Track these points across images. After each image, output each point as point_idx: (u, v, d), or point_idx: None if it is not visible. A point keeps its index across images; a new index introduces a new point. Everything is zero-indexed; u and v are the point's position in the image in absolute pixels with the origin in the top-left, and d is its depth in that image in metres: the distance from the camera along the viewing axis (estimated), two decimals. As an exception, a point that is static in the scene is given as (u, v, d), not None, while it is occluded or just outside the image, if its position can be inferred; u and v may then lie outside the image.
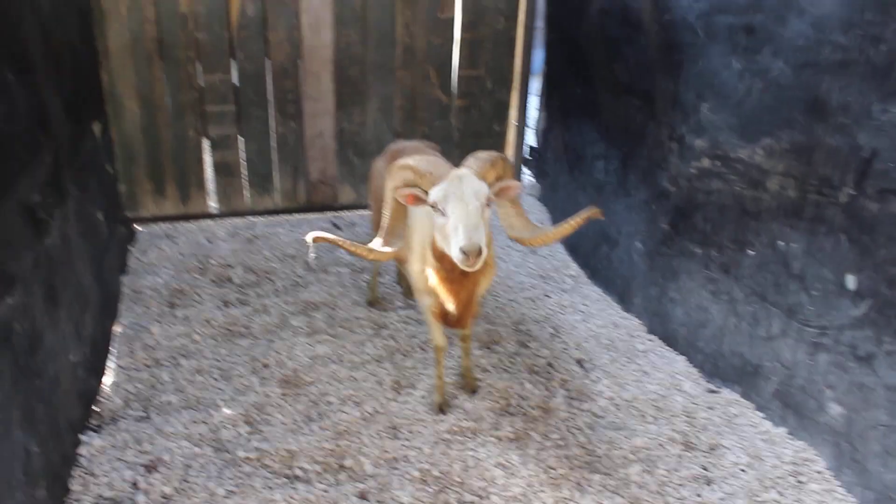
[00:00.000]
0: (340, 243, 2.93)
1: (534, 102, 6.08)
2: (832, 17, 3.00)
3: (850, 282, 3.17)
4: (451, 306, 3.22)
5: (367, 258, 3.07)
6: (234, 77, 5.25)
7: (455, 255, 2.72)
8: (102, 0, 4.76)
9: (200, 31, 5.00)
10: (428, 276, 3.24)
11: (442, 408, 3.79)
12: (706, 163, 3.78)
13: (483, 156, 2.95)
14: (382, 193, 3.59)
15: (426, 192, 2.89)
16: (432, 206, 2.85)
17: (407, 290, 4.76)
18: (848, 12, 2.94)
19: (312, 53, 5.28)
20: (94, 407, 3.63)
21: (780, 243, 3.49)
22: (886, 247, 2.96)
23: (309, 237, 2.88)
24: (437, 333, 3.69)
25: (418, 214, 3.27)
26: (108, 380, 3.87)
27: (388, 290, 4.93)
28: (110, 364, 3.99)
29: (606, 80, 4.63)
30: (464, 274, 2.98)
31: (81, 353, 3.54)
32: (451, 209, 2.76)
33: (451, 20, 5.44)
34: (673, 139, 3.98)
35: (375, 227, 4.05)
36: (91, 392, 3.65)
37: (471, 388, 3.94)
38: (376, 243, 3.11)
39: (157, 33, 4.93)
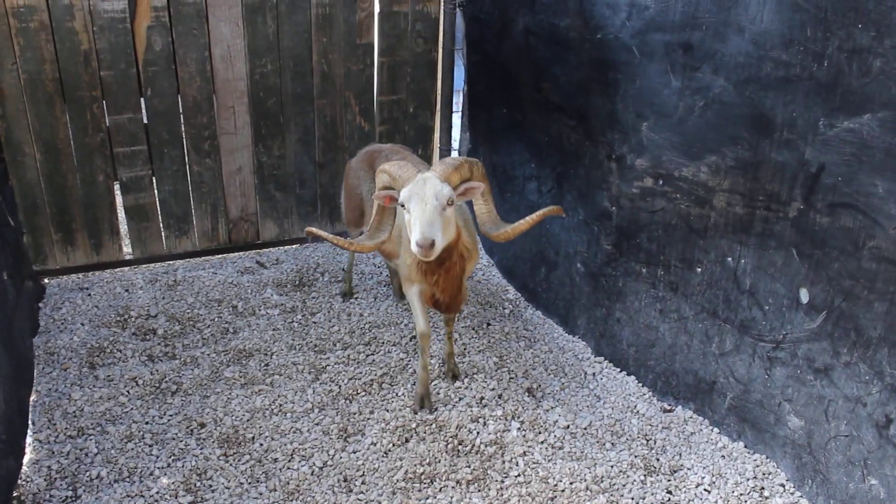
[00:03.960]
0: (328, 238, 3.40)
1: (456, 123, 5.97)
2: (772, 34, 2.99)
3: (804, 295, 3.16)
4: (436, 292, 3.58)
5: (349, 249, 3.49)
6: (144, 115, 4.93)
7: (413, 247, 3.09)
8: (-9, 41, 4.39)
9: (105, 68, 4.67)
10: (414, 268, 3.60)
11: (424, 402, 3.91)
12: (649, 182, 3.73)
13: (449, 161, 3.30)
14: (354, 191, 4.37)
15: (398, 193, 3.24)
16: (402, 206, 3.21)
17: (398, 291, 4.93)
18: (788, 29, 2.93)
19: (226, 86, 5.01)
20: (14, 492, 3.28)
21: (729, 260, 3.46)
22: (839, 259, 2.95)
23: (306, 230, 3.48)
24: (422, 320, 3.82)
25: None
26: (27, 458, 3.52)
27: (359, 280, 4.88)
28: (28, 440, 3.64)
29: (535, 99, 4.55)
30: (439, 263, 3.37)
31: (-5, 433, 3.20)
32: (413, 207, 3.12)
33: (370, 45, 5.27)
34: (612, 159, 3.92)
35: (347, 222, 4.54)
36: (9, 476, 3.29)
37: (453, 375, 4.14)
38: (362, 237, 3.52)
39: (57, 73, 4.58)
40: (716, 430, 3.75)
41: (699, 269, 3.63)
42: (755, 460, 3.53)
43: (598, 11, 3.82)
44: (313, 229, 3.41)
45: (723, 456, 3.60)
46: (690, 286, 3.70)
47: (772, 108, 3.07)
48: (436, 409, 3.90)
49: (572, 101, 4.20)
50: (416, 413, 3.86)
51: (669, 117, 3.53)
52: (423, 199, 3.10)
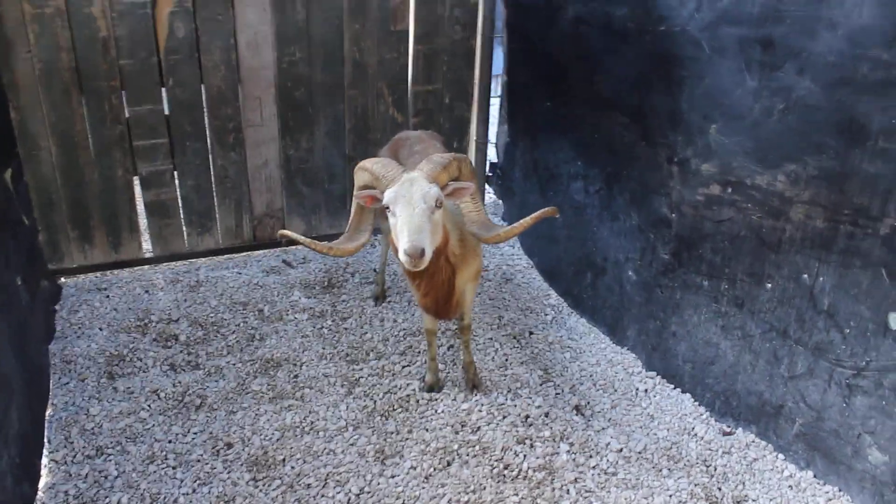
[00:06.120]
0: (304, 241, 3.10)
1: (493, 111, 5.64)
2: (872, 31, 2.66)
3: (893, 321, 2.86)
4: (419, 298, 3.40)
5: (328, 254, 3.16)
6: (165, 107, 4.65)
7: (400, 255, 2.82)
8: (5, 27, 4.10)
9: (124, 57, 4.39)
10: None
11: (433, 387, 3.91)
12: (716, 189, 3.42)
13: (436, 159, 3.02)
14: None
15: (383, 194, 2.96)
16: (386, 208, 2.93)
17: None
18: (892, 26, 2.60)
19: (252, 76, 4.71)
20: (29, 521, 3.05)
21: (805, 277, 3.16)
22: (941, 285, 2.65)
23: (279, 233, 3.24)
24: (427, 317, 3.74)
25: None
26: (42, 482, 3.28)
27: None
28: (44, 460, 3.40)
29: (584, 93, 4.24)
30: (423, 269, 3.00)
31: (7, 457, 2.94)
32: (400, 211, 2.85)
33: (405, 32, 4.96)
34: (674, 162, 3.60)
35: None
36: (24, 503, 3.05)
37: (472, 384, 3.93)
38: (340, 239, 3.21)
39: (74, 62, 4.30)
40: (781, 456, 3.46)
41: (769, 285, 3.32)
42: (827, 493, 3.25)
43: (663, 1, 3.49)
44: (287, 232, 3.17)
45: (790, 486, 3.32)
46: (758, 303, 3.39)
47: (867, 113, 2.75)
48: (478, 429, 3.63)
49: (627, 98, 3.88)
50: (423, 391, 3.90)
51: (742, 120, 3.21)
52: (411, 203, 2.83)
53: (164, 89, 4.59)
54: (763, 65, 3.07)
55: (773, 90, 3.06)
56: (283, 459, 3.45)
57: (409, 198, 2.84)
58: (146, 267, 4.99)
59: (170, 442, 3.54)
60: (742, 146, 3.24)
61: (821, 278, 3.10)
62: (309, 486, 3.31)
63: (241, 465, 3.41)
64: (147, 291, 4.71)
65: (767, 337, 3.40)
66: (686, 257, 3.68)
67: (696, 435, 3.64)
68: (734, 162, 3.30)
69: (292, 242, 5.13)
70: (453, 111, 5.32)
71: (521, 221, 3.06)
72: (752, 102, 3.15)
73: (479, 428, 3.64)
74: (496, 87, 5.52)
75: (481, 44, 5.19)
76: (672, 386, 3.94)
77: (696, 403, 3.82)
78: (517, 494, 3.27)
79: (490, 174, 5.71)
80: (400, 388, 3.91)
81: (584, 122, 4.30)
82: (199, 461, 3.42)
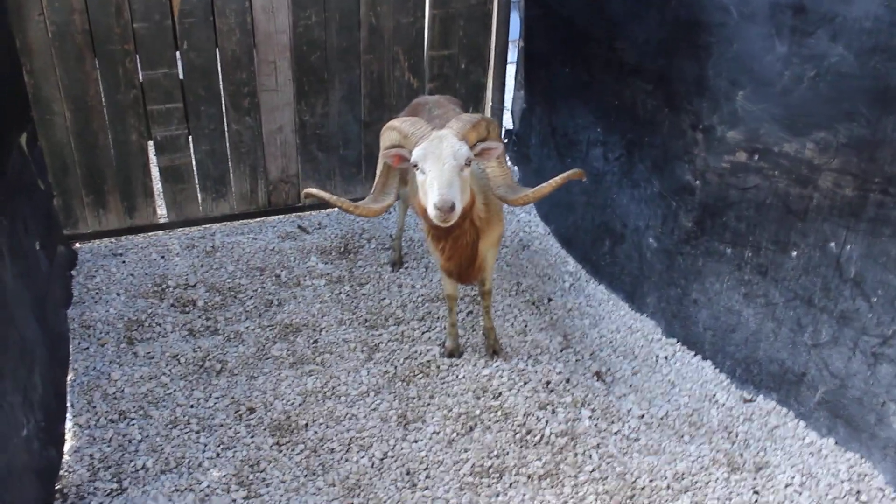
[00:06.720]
0: (330, 199, 3.08)
1: (509, 77, 5.58)
2: (912, -5, 2.62)
3: (923, 289, 2.85)
4: (441, 261, 3.40)
5: (353, 213, 3.15)
6: (180, 71, 4.59)
7: (430, 210, 2.83)
8: (17, -12, 4.04)
9: (138, 20, 4.32)
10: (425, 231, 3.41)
11: (454, 353, 3.92)
12: (742, 156, 3.39)
13: (466, 118, 3.01)
14: None
15: (410, 153, 2.95)
16: (414, 166, 2.93)
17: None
18: (933, -10, 2.56)
19: (268, 40, 4.65)
20: (56, 485, 3.06)
21: (832, 245, 3.14)
22: (973, 253, 2.63)
23: (303, 192, 3.20)
24: (447, 283, 3.75)
25: None
26: (67, 445, 3.29)
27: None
28: (68, 424, 3.41)
29: (606, 59, 4.18)
30: (447, 231, 3.09)
31: (34, 422, 2.95)
32: (429, 167, 2.86)
33: (422, -4, 4.89)
34: (699, 129, 3.57)
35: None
36: (51, 467, 3.07)
37: (492, 350, 3.93)
38: (366, 200, 3.20)
39: (87, 25, 4.23)
40: (802, 423, 3.47)
41: (794, 253, 3.31)
42: (848, 459, 3.27)
43: (690, -36, 3.44)
44: (313, 190, 3.11)
45: (811, 453, 3.33)
46: (783, 270, 3.38)
47: (902, 80, 2.72)
48: (500, 394, 3.65)
49: (651, 64, 3.83)
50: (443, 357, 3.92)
51: (771, 87, 3.17)
52: (440, 159, 2.84)
53: (178, 53, 4.53)
54: (794, 30, 3.03)
55: (804, 57, 3.02)
56: (306, 424, 3.47)
57: (438, 154, 2.85)
58: (161, 232, 4.96)
59: (192, 406, 3.56)
60: (770, 113, 3.21)
61: (848, 247, 3.09)
62: (332, 450, 3.34)
63: (265, 429, 3.43)
64: (163, 257, 4.70)
65: (791, 305, 3.39)
66: (709, 225, 3.66)
67: (717, 402, 3.66)
68: (761, 129, 3.27)
69: (313, 206, 5.20)
70: (469, 76, 5.25)
71: (549, 182, 3.06)
72: (781, 69, 3.11)
73: (500, 393, 3.66)
74: (512, 53, 5.46)
75: (498, 8, 5.11)
76: (693, 353, 3.94)
77: (717, 370, 3.83)
78: (540, 459, 3.29)
79: (506, 140, 5.67)
80: (420, 354, 3.92)
81: (605, 89, 4.25)
82: (222, 426, 3.44)
